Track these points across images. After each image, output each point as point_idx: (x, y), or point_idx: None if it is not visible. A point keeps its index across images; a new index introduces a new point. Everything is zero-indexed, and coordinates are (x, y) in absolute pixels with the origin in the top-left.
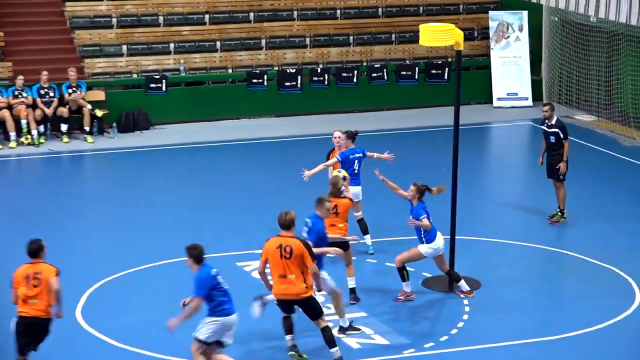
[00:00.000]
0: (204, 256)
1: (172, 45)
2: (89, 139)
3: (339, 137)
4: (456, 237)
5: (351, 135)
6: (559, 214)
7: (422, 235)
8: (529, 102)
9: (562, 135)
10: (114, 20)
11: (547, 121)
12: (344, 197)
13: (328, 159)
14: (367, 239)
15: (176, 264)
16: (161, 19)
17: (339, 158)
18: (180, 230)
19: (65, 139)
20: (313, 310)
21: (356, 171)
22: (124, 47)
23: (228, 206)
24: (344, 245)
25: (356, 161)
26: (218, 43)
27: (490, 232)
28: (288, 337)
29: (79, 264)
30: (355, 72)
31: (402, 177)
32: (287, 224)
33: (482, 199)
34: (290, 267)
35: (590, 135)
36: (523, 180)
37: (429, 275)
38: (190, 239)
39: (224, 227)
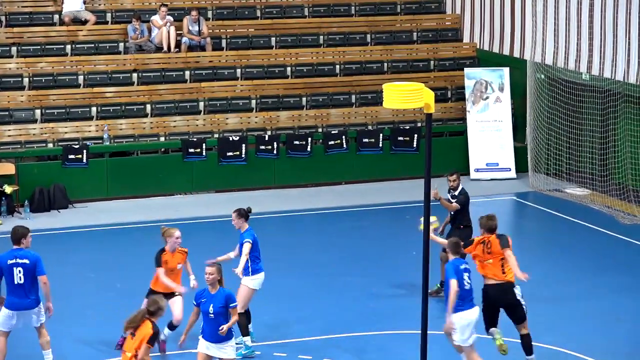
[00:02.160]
0: None
1: (94, 109)
2: None
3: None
4: (428, 331)
5: (244, 214)
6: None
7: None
8: (512, 174)
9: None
10: (26, 80)
11: (452, 191)
12: None
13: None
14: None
15: None
16: (81, 78)
17: (250, 239)
18: (102, 325)
19: None
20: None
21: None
22: (37, 112)
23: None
24: None
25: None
26: (148, 106)
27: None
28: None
29: None
30: (309, 139)
31: (360, 263)
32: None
33: None
34: None
35: (584, 212)
36: None
37: None
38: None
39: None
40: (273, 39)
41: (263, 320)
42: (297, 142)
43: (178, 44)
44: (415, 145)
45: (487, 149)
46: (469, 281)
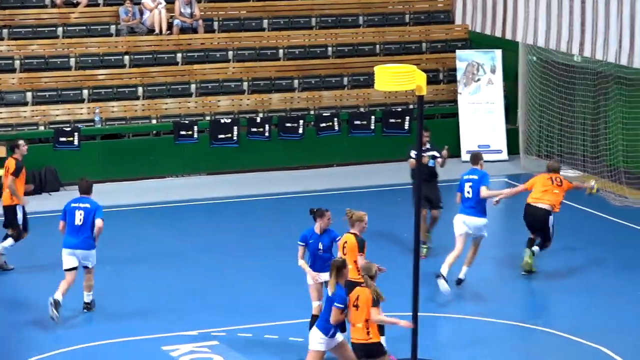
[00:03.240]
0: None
1: (85, 92)
2: None
3: None
4: (419, 313)
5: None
6: (426, 248)
7: None
8: (504, 156)
9: (438, 155)
10: (17, 63)
11: (423, 147)
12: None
13: None
14: None
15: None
16: (72, 61)
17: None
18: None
19: None
20: None
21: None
22: (29, 95)
23: (149, 283)
24: None
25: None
26: (140, 89)
27: (457, 307)
28: None
29: None
30: (301, 122)
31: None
32: None
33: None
34: None
35: (574, 193)
36: (497, 246)
37: None
38: (104, 322)
39: (146, 307)
40: (265, 21)
41: (255, 302)
42: (288, 125)
43: (170, 26)
44: (407, 127)
45: (479, 131)
46: (469, 190)
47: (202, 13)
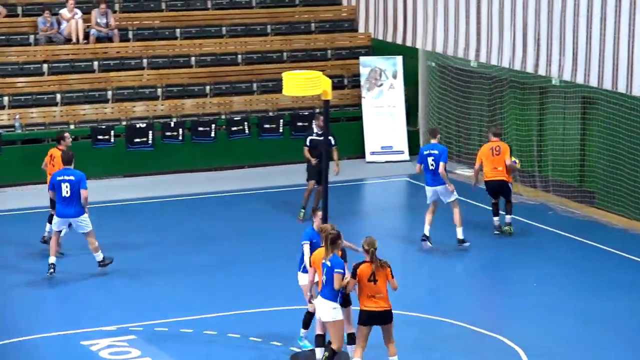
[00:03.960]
0: None
1: (5, 99)
2: None
3: None
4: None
5: None
6: (303, 211)
7: None
8: (406, 156)
9: (333, 142)
10: None
11: (317, 130)
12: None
13: None
14: None
15: None
16: None
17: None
18: (13, 307)
19: None
20: None
21: None
22: None
23: (65, 281)
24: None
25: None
26: (58, 95)
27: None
28: None
29: None
30: (213, 125)
31: (261, 243)
32: None
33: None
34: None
35: (471, 190)
36: (400, 242)
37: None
38: (22, 319)
39: (68, 300)
40: (178, 30)
41: (171, 298)
42: (201, 129)
43: (87, 36)
44: None
45: (382, 133)
46: (432, 163)
47: (118, 23)
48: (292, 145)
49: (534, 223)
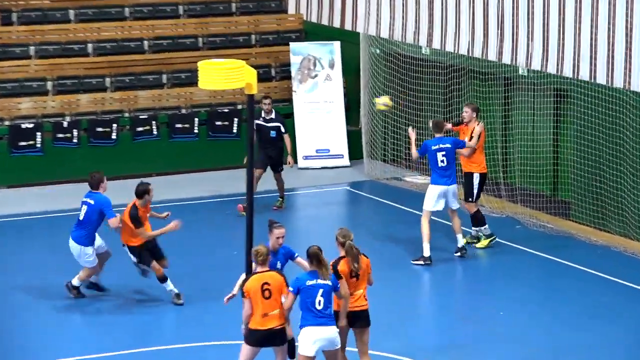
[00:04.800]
0: None
1: None
2: None
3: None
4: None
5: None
6: (280, 199)
7: None
8: (345, 161)
9: (283, 130)
10: None
11: (264, 115)
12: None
13: None
14: None
15: None
16: None
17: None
18: None
19: None
20: None
21: None
22: None
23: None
24: None
25: None
26: None
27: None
28: None
29: None
30: (114, 125)
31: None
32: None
33: None
34: None
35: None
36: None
37: None
38: None
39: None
40: (71, 11)
41: (60, 333)
42: (100, 129)
43: None
44: (235, 131)
45: (317, 133)
46: (443, 159)
47: None
48: (209, 148)
49: (499, 240)
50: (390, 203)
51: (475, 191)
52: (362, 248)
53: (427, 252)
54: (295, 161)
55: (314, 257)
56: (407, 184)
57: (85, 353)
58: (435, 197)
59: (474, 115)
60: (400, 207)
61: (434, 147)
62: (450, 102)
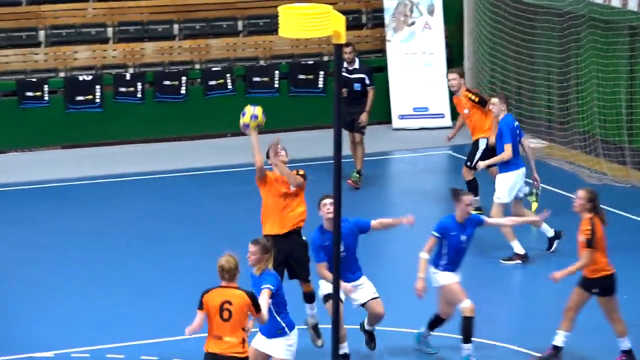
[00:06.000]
0: None
1: None
2: None
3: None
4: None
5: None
6: (357, 175)
7: None
8: (447, 121)
9: (368, 82)
10: None
11: (347, 65)
12: None
13: None
14: None
15: None
16: None
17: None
18: None
19: None
20: None
21: None
22: None
23: None
24: None
25: None
26: None
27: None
28: None
29: None
30: (184, 78)
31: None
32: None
33: (380, 272)
34: None
35: (539, 168)
36: None
37: None
38: None
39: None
40: None
41: (99, 318)
42: (167, 83)
43: None
44: (321, 86)
45: (415, 89)
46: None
47: None
48: (291, 105)
49: (623, 213)
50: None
51: (477, 156)
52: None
53: (519, 249)
54: (368, 121)
55: None
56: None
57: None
58: (517, 185)
59: (462, 82)
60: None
61: (515, 124)
62: (568, 54)
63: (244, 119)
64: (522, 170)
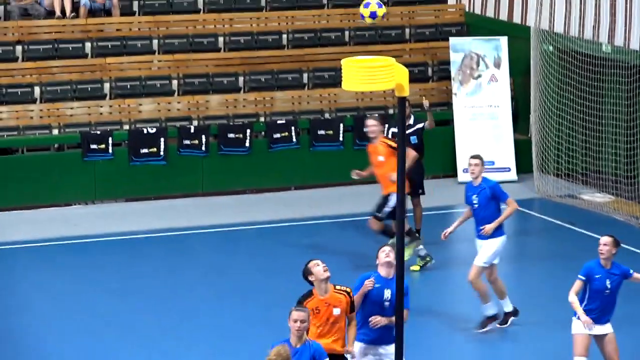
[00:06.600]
0: None
1: None
2: None
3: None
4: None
5: None
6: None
7: None
8: (512, 175)
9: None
10: None
11: (407, 122)
12: None
13: None
14: None
15: None
16: None
17: None
18: None
19: None
20: None
21: None
22: None
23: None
24: None
25: None
26: (37, 89)
27: None
28: None
29: None
30: (248, 131)
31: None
32: None
33: (444, 334)
34: None
35: (605, 223)
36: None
37: None
38: None
39: None
40: (200, 0)
41: None
42: (232, 135)
43: (75, 8)
44: None
45: (480, 143)
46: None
47: None
48: (355, 159)
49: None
50: (564, 224)
51: (386, 210)
52: (535, 277)
53: (508, 307)
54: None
55: None
56: (584, 203)
57: None
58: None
59: (382, 129)
60: (576, 229)
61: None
62: (635, 107)
63: (364, 10)
64: (505, 236)
